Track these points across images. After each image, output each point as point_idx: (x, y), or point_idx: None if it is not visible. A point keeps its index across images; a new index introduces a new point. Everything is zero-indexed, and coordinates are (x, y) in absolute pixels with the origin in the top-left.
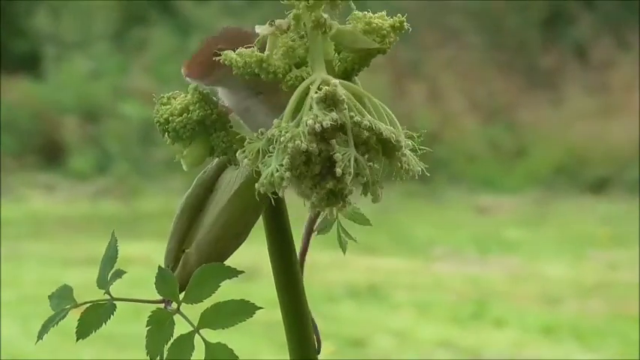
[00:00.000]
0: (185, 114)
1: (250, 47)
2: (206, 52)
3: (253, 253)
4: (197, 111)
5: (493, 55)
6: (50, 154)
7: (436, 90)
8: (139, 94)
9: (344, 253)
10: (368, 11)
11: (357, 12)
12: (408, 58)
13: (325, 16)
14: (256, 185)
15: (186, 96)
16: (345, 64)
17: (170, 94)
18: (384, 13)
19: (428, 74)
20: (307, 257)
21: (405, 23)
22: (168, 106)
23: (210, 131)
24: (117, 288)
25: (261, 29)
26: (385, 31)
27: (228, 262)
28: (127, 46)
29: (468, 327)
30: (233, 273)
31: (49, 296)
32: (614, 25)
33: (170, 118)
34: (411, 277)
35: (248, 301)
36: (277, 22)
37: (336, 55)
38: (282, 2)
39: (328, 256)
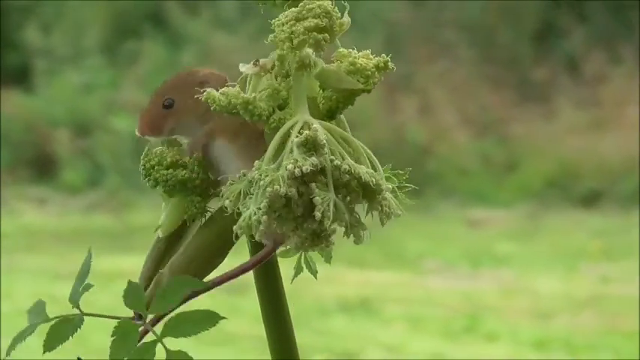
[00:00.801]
0: (172, 169)
1: (234, 86)
2: (154, 110)
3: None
4: (184, 172)
5: (485, 69)
6: (42, 168)
7: (428, 104)
8: (131, 107)
9: (315, 276)
10: (353, 49)
11: (342, 49)
12: (399, 72)
13: (310, 52)
14: (234, 228)
15: (179, 151)
16: (329, 102)
17: (166, 147)
18: (368, 51)
19: (419, 88)
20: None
21: (389, 63)
22: (158, 153)
23: (188, 193)
24: (107, 301)
25: (245, 68)
26: (369, 72)
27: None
28: (118, 59)
29: (460, 341)
30: (198, 284)
31: (27, 311)
32: (606, 39)
33: (156, 167)
34: (402, 291)
35: (212, 311)
36: (262, 61)
37: (321, 92)
38: (265, 42)
39: (319, 270)
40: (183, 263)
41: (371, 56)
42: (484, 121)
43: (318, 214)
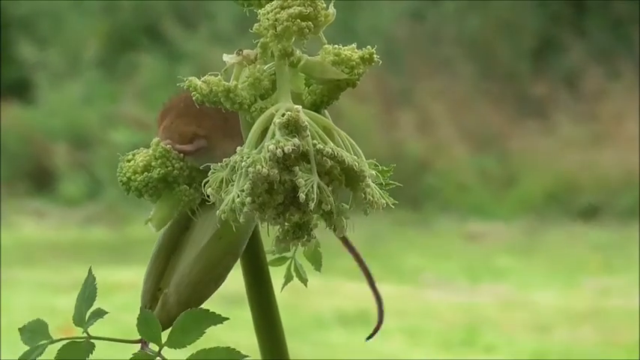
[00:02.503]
0: (146, 172)
1: (216, 75)
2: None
3: (242, 278)
4: (158, 169)
5: (484, 85)
6: (40, 181)
7: (426, 119)
8: (130, 120)
9: (306, 284)
10: (339, 45)
11: (327, 45)
12: (398, 87)
13: (293, 47)
14: (217, 212)
15: (148, 152)
16: (314, 96)
17: (135, 150)
18: (354, 45)
19: (418, 103)
20: (296, 282)
21: (374, 55)
22: (131, 163)
23: (173, 187)
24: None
25: (228, 58)
26: (354, 62)
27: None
28: (116, 73)
29: (458, 354)
30: (218, 320)
31: (19, 329)
32: (604, 54)
33: (132, 177)
34: (401, 304)
35: (234, 349)
36: (245, 51)
37: (306, 88)
38: (250, 31)
39: (318, 282)
40: (190, 284)
41: (356, 50)
42: (483, 136)
43: (302, 196)
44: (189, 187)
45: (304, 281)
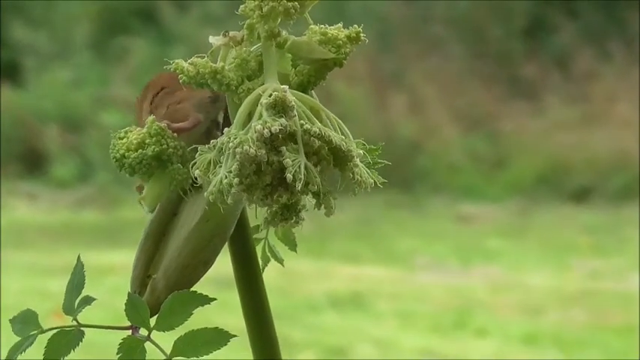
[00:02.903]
0: (140, 150)
1: (203, 57)
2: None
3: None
4: (152, 146)
5: (474, 66)
6: (32, 163)
7: (417, 100)
8: (121, 103)
9: (282, 264)
10: (325, 25)
11: (313, 26)
12: (389, 68)
13: (279, 28)
14: (205, 194)
15: (142, 130)
16: (301, 77)
17: (127, 128)
18: (340, 25)
19: (409, 85)
20: (289, 266)
21: (361, 34)
22: (124, 141)
23: (167, 165)
24: (97, 296)
25: (214, 40)
26: (341, 41)
27: (207, 273)
28: (107, 55)
29: (449, 336)
30: (205, 301)
31: (10, 320)
32: (595, 35)
33: (126, 154)
34: (393, 287)
35: (222, 330)
36: (231, 33)
37: (292, 69)
38: (236, 12)
39: (310, 265)
40: (178, 268)
41: (342, 29)
42: (474, 117)
43: (289, 176)
44: (182, 166)
45: (280, 261)
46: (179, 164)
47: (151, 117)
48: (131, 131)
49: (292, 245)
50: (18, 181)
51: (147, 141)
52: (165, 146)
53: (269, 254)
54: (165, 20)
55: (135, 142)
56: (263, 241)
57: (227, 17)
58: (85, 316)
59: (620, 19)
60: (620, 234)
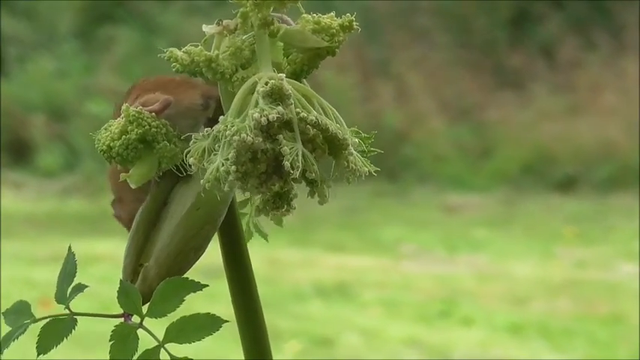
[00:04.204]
0: (124, 136)
1: (197, 45)
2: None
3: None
4: (135, 130)
5: (461, 55)
6: (18, 152)
7: (404, 90)
8: (106, 92)
9: (266, 239)
10: (317, 14)
11: (306, 15)
12: (376, 57)
13: (273, 15)
14: (201, 182)
15: (121, 120)
16: (293, 65)
17: (110, 122)
18: (332, 14)
19: (396, 74)
20: (275, 255)
21: (354, 23)
22: (107, 133)
23: (153, 145)
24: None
25: (208, 28)
26: (334, 30)
27: (196, 263)
28: (93, 45)
29: (435, 326)
30: (197, 287)
31: (3, 313)
32: (581, 25)
33: (111, 144)
34: (379, 276)
35: (214, 315)
36: (225, 22)
37: (285, 58)
38: (229, 1)
39: (296, 255)
40: (170, 256)
41: (335, 18)
42: (460, 106)
43: (287, 164)
44: (169, 144)
45: (264, 236)
46: (165, 142)
47: (125, 105)
48: (112, 124)
49: (279, 221)
50: (4, 171)
51: (128, 128)
52: (147, 127)
53: (252, 229)
54: (149, 10)
55: (117, 131)
56: (247, 215)
57: (211, 7)
58: (73, 305)
59: (605, 8)
60: (606, 223)
